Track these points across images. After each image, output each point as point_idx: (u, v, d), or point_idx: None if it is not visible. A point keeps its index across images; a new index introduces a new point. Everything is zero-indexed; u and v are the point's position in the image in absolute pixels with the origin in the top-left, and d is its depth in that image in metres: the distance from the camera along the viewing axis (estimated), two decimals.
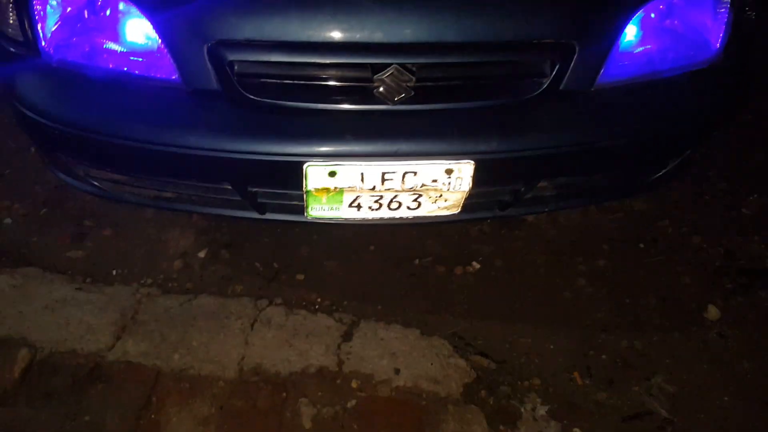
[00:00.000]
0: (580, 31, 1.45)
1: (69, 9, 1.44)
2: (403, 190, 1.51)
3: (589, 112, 1.51)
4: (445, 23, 1.38)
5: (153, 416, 1.53)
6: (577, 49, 1.44)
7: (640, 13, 1.51)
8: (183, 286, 1.95)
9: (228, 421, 1.54)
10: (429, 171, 1.47)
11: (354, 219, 1.60)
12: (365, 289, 1.97)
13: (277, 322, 1.80)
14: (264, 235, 2.15)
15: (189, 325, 1.77)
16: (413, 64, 1.39)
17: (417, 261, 2.10)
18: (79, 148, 1.56)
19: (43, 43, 1.45)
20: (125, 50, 1.45)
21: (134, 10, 1.40)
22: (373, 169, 1.45)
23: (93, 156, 1.59)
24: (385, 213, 1.59)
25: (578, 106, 1.51)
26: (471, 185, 1.51)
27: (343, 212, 1.58)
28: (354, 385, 1.64)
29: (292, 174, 1.45)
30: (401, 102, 1.42)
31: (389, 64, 1.38)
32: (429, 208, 1.59)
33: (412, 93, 1.41)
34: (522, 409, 1.63)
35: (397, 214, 1.60)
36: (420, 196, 1.54)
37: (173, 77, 1.43)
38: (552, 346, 1.82)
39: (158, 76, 1.44)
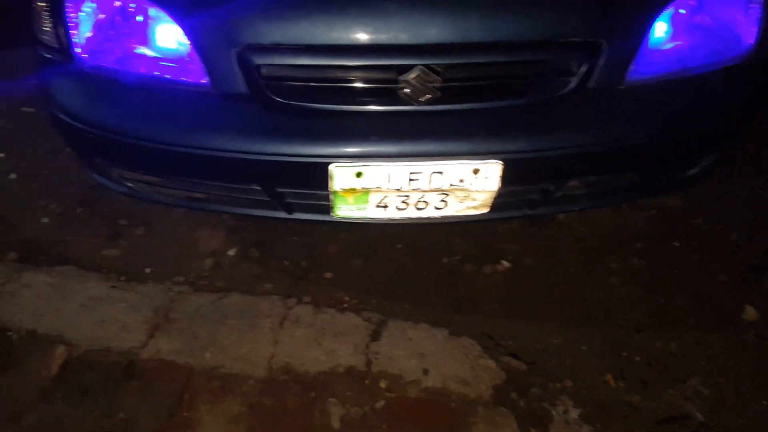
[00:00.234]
0: (608, 29, 1.43)
1: (102, 16, 1.48)
2: (430, 190, 1.51)
3: (619, 110, 1.49)
4: (471, 23, 1.37)
5: (185, 414, 1.55)
6: (604, 47, 1.42)
7: (669, 10, 1.48)
8: (214, 284, 1.98)
9: (258, 419, 1.55)
10: (456, 171, 1.46)
11: (381, 219, 1.60)
12: (393, 288, 1.97)
13: (306, 321, 1.82)
14: (292, 233, 2.17)
15: (220, 324, 1.80)
16: (439, 64, 1.38)
17: (445, 260, 2.09)
18: (113, 151, 1.59)
19: (77, 49, 1.49)
20: (156, 55, 1.48)
21: (165, 16, 1.43)
22: (400, 169, 1.45)
23: (126, 159, 1.62)
24: (412, 213, 1.58)
25: (607, 104, 1.48)
26: (499, 185, 1.49)
27: (370, 212, 1.58)
28: (382, 385, 1.64)
29: (319, 175, 1.46)
30: (427, 102, 1.42)
31: (415, 65, 1.37)
32: (456, 208, 1.58)
33: (438, 93, 1.41)
34: (553, 412, 1.61)
35: (424, 214, 1.59)
36: (447, 196, 1.53)
37: (203, 81, 1.45)
38: (584, 347, 1.79)
39: (188, 80, 1.46)
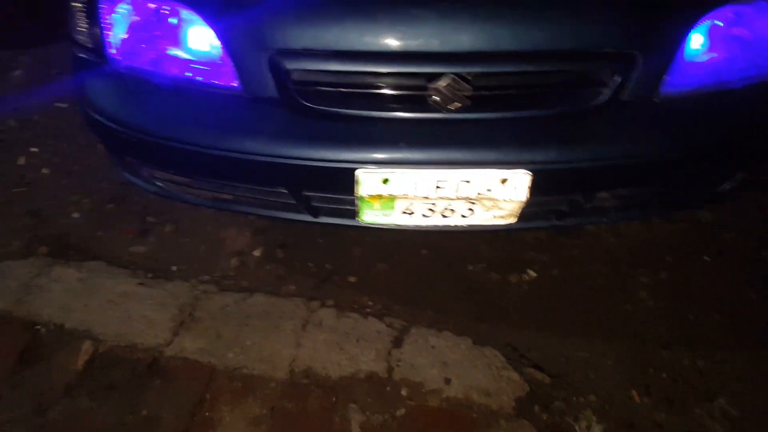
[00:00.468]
0: (642, 41, 1.40)
1: (136, 18, 1.49)
2: (456, 198, 1.49)
3: (652, 123, 1.46)
4: (502, 31, 1.35)
5: (207, 414, 1.57)
6: (638, 58, 1.39)
7: (706, 22, 1.44)
8: (239, 284, 1.99)
9: (279, 422, 1.56)
10: (483, 180, 1.45)
11: (406, 225, 1.60)
12: (417, 294, 1.97)
13: (329, 325, 1.82)
14: (318, 235, 2.18)
15: (243, 324, 1.81)
16: (469, 72, 1.37)
17: (470, 267, 2.07)
18: (144, 151, 1.61)
19: (111, 50, 1.51)
20: (189, 58, 1.49)
21: (198, 19, 1.44)
22: (427, 177, 1.44)
23: (157, 159, 1.64)
24: (437, 220, 1.57)
25: (640, 117, 1.45)
26: (527, 195, 1.47)
27: (396, 218, 1.57)
28: (404, 393, 1.63)
29: (346, 180, 1.46)
30: (456, 110, 1.41)
31: (445, 73, 1.36)
32: (483, 217, 1.56)
33: (468, 101, 1.39)
34: (576, 427, 1.59)
35: (450, 222, 1.58)
36: (474, 204, 1.52)
37: (233, 84, 1.46)
38: (610, 362, 1.76)
39: (220, 83, 1.47)
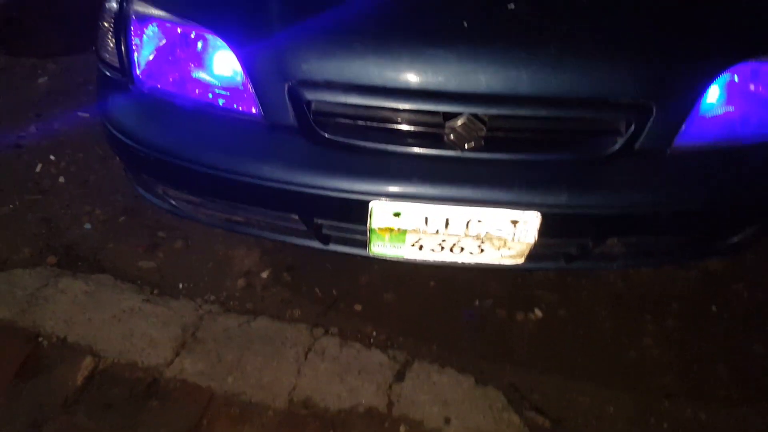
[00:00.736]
0: (659, 92, 1.41)
1: (163, 41, 1.52)
2: (466, 236, 1.50)
3: (665, 174, 1.46)
4: (521, 75, 1.36)
5: None
6: (654, 109, 1.40)
7: (724, 76, 1.45)
8: (243, 306, 1.99)
9: None
10: (494, 219, 1.45)
11: (415, 259, 1.60)
12: (422, 327, 1.96)
13: (331, 354, 1.81)
14: (326, 260, 2.17)
15: (245, 348, 1.80)
16: (485, 114, 1.38)
17: (477, 302, 2.06)
18: (161, 170, 1.63)
19: (137, 71, 1.54)
20: (212, 82, 1.52)
21: (224, 45, 1.46)
22: (438, 213, 1.44)
23: (172, 178, 1.66)
24: (446, 256, 1.58)
25: (653, 167, 1.45)
26: (536, 237, 1.48)
27: (405, 251, 1.57)
28: (402, 430, 1.62)
29: (358, 210, 1.46)
30: (471, 150, 1.42)
31: (461, 113, 1.38)
32: (492, 256, 1.56)
33: (483, 142, 1.40)
34: None
35: (459, 259, 1.58)
36: (483, 243, 1.52)
37: (253, 111, 1.48)
38: (612, 409, 1.74)
39: (240, 108, 1.49)
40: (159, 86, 1.54)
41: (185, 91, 1.52)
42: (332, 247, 1.67)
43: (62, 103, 2.99)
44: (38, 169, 2.53)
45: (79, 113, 2.92)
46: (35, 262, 2.07)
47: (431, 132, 1.43)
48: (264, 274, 2.12)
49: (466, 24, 1.40)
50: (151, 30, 1.51)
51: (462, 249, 1.55)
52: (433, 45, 1.37)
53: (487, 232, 1.48)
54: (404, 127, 1.45)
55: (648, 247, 1.68)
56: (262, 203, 1.62)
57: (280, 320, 1.93)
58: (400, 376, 1.76)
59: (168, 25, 1.51)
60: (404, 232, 1.50)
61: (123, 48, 1.53)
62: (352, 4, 1.42)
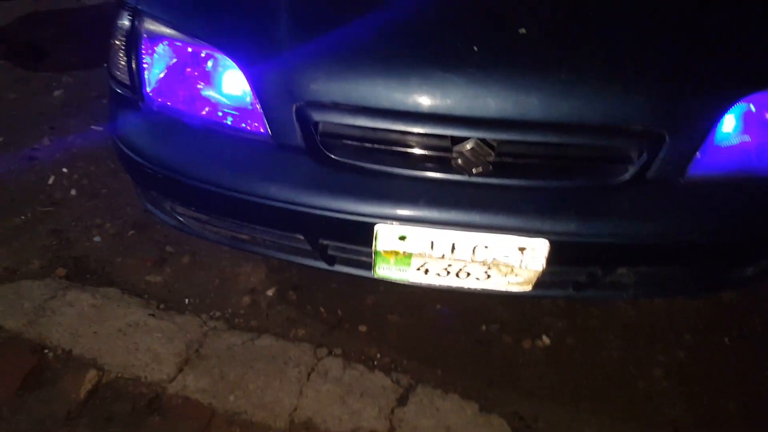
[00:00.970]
0: (672, 121, 1.38)
1: (174, 60, 1.53)
2: (472, 262, 1.48)
3: (677, 204, 1.43)
4: (530, 101, 1.35)
5: None
6: (667, 138, 1.38)
7: (740, 105, 1.42)
8: (248, 324, 1.99)
9: None
10: (501, 246, 1.43)
11: (420, 283, 1.58)
12: (427, 351, 1.93)
13: (334, 375, 1.79)
14: (332, 280, 2.16)
15: (248, 366, 1.79)
16: (494, 139, 1.37)
17: (484, 327, 2.04)
18: (169, 187, 1.63)
19: (147, 89, 1.55)
20: (221, 101, 1.53)
21: (233, 65, 1.47)
22: (444, 237, 1.43)
23: (180, 195, 1.66)
24: (452, 281, 1.56)
25: (665, 197, 1.42)
26: (544, 264, 1.45)
27: (410, 275, 1.56)
28: None
29: (364, 233, 1.45)
30: (478, 174, 1.40)
31: (469, 138, 1.36)
32: (499, 282, 1.54)
33: (491, 167, 1.39)
34: None
35: (464, 284, 1.56)
36: (490, 269, 1.50)
37: (261, 131, 1.48)
38: None
39: (248, 128, 1.50)
40: (169, 104, 1.55)
41: (194, 109, 1.53)
42: (337, 267, 1.66)
43: (76, 116, 3.04)
44: (51, 181, 2.56)
45: (93, 127, 2.97)
46: (44, 273, 2.09)
47: (439, 156, 1.42)
48: (269, 292, 2.11)
49: (476, 48, 1.40)
50: (161, 48, 1.53)
51: (468, 274, 1.53)
52: (442, 68, 1.37)
53: (494, 259, 1.46)
54: (411, 150, 1.44)
55: (659, 277, 1.65)
56: (268, 222, 1.61)
57: (284, 339, 1.92)
58: (402, 400, 1.74)
59: (178, 44, 1.52)
60: (410, 255, 1.49)
61: (134, 66, 1.55)
62: (361, 26, 1.43)
